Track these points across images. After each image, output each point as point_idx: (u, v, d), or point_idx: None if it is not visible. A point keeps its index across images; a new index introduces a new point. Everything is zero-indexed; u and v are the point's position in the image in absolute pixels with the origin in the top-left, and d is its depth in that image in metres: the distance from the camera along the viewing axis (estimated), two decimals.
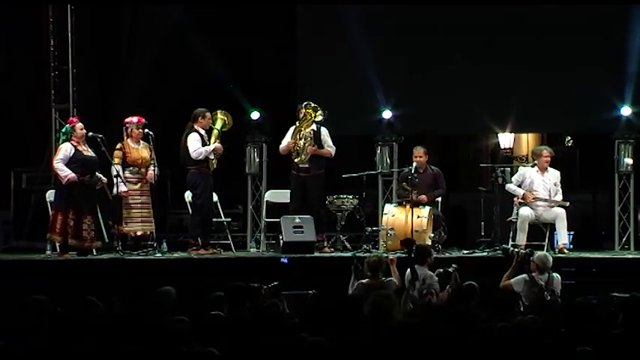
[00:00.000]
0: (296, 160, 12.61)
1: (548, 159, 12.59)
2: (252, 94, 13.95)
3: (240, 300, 8.19)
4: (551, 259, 10.26)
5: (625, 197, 13.31)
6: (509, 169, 13.18)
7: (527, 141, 16.17)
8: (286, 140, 12.75)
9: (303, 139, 12.62)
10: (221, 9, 14.63)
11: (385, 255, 10.44)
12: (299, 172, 12.65)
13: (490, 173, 13.12)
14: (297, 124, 12.64)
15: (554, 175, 12.57)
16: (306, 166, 12.61)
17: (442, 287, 9.68)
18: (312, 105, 12.56)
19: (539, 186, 12.51)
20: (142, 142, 12.42)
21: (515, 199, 12.55)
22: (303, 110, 12.58)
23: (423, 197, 12.53)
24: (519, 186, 12.59)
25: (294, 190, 12.77)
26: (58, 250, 12.18)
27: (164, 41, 14.65)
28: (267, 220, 13.39)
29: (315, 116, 12.55)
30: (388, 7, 14.29)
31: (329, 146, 12.73)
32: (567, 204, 12.40)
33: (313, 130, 12.64)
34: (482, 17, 14.08)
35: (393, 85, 13.95)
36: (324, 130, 12.72)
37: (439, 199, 13.10)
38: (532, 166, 12.68)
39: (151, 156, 12.37)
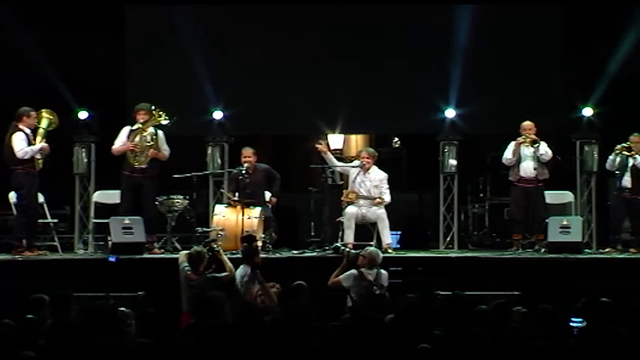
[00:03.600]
0: (134, 162, 12.40)
1: (362, 160, 12.80)
2: (80, 93, 13.68)
3: (66, 306, 8.00)
4: (381, 255, 10.49)
5: (449, 198, 13.68)
6: (338, 169, 13.36)
7: (357, 142, 16.43)
8: (121, 141, 12.52)
9: (145, 141, 12.43)
10: (48, 5, 14.31)
11: (214, 248, 10.44)
12: (133, 174, 12.45)
13: (320, 174, 13.25)
14: (141, 125, 12.43)
15: (376, 176, 12.79)
16: (143, 167, 12.44)
17: None
18: (158, 108, 12.40)
19: (360, 185, 12.74)
20: None
21: (342, 198, 12.74)
22: (147, 112, 12.39)
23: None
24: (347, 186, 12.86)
25: (126, 191, 12.54)
26: None
27: None
28: (95, 221, 13.17)
29: (161, 120, 12.38)
30: (218, 8, 14.30)
31: (165, 149, 12.60)
32: (383, 202, 12.62)
33: (152, 132, 12.47)
34: (312, 17, 14.27)
35: (224, 86, 13.96)
36: (161, 134, 12.57)
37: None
38: (357, 166, 12.89)
39: None
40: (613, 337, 6.62)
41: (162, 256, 12.28)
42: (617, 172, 12.76)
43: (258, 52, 14.19)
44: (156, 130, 12.50)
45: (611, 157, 12.78)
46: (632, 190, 12.64)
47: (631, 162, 12.65)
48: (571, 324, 7.46)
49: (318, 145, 12.91)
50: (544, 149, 12.75)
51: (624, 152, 12.62)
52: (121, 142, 12.53)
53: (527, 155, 12.84)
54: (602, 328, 6.82)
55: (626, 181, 12.67)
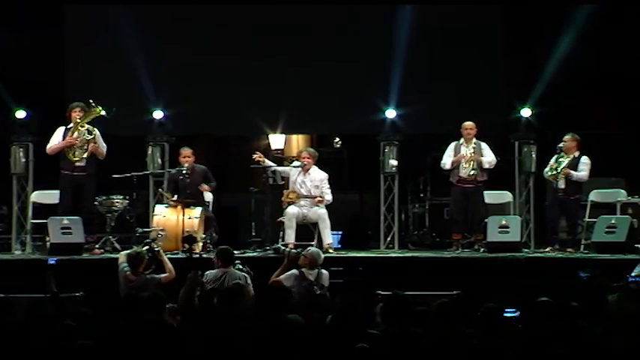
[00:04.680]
0: (73, 158, 12.25)
1: (303, 160, 12.83)
2: (18, 92, 13.51)
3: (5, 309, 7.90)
4: (322, 256, 10.50)
5: (390, 198, 13.75)
6: (280, 169, 13.36)
7: (298, 142, 16.44)
8: (57, 140, 12.38)
9: (83, 136, 12.29)
10: None
11: (155, 248, 10.35)
12: (73, 172, 12.31)
13: (261, 174, 13.24)
14: (79, 121, 12.28)
15: (317, 176, 12.82)
16: (83, 165, 12.31)
17: None
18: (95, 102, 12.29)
19: (300, 185, 12.77)
20: None
21: (282, 198, 12.76)
22: (82, 109, 12.26)
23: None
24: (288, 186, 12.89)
25: (66, 190, 12.38)
26: None
27: None
28: (33, 221, 13.02)
29: (99, 111, 12.23)
30: (158, 7, 14.20)
31: (103, 146, 12.48)
32: (324, 201, 12.64)
33: (90, 128, 12.34)
34: (253, 17, 14.22)
35: (164, 85, 13.89)
36: (97, 131, 12.45)
37: (211, 199, 13.16)
38: (298, 167, 12.90)
39: None
40: (550, 334, 6.70)
41: (101, 256, 12.19)
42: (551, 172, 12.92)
43: (198, 51, 14.12)
44: (92, 127, 12.37)
45: (546, 169, 12.90)
46: (566, 190, 12.79)
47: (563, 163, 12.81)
48: (505, 314, 7.53)
49: (254, 156, 12.88)
50: (488, 161, 12.86)
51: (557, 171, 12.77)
52: (56, 141, 12.38)
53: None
54: (540, 325, 6.90)
55: (560, 182, 12.81)
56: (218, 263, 10.04)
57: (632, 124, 14.71)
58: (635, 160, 14.62)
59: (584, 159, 12.79)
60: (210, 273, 9.84)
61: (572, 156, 12.77)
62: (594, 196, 13.47)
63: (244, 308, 8.26)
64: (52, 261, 11.56)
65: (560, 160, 12.75)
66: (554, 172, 12.71)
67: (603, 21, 14.05)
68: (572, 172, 12.71)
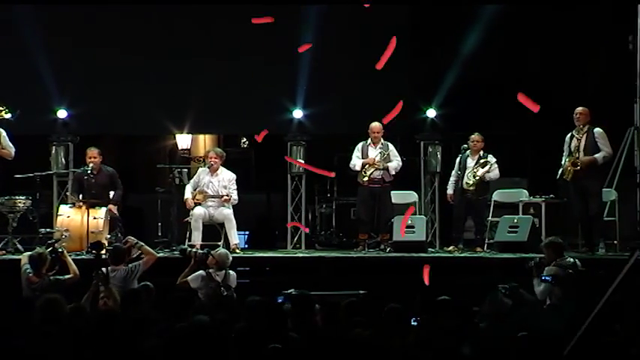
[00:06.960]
0: None
1: (211, 160, 12.80)
2: None
3: None
4: (231, 257, 10.47)
5: (297, 198, 13.80)
6: (186, 169, 13.30)
7: (205, 142, 16.39)
8: None
9: None
10: None
11: (58, 249, 10.20)
12: None
13: (168, 174, 13.17)
14: None
15: (225, 177, 12.81)
16: None
17: None
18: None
19: (208, 186, 12.73)
20: None
21: (187, 199, 12.70)
22: None
23: None
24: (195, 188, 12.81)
25: None
26: None
27: None
28: None
29: (2, 114, 12.02)
30: (62, 7, 13.98)
31: (10, 147, 12.28)
32: (230, 200, 12.62)
33: None
34: (158, 15, 14.08)
35: (69, 84, 13.70)
36: (3, 132, 12.24)
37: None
38: (206, 167, 12.87)
39: None
40: (448, 334, 6.80)
41: (3, 257, 11.98)
42: (458, 172, 13.08)
43: (104, 50, 13.92)
44: None
45: (466, 180, 13.02)
46: (475, 191, 12.94)
47: (470, 163, 12.97)
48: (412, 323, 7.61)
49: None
50: (394, 167, 12.99)
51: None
52: None
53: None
54: (438, 324, 7.00)
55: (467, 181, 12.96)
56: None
57: (533, 126, 14.96)
58: (536, 161, 14.90)
59: (493, 159, 12.96)
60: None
61: (477, 156, 12.95)
62: (497, 196, 13.67)
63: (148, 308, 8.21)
64: None
65: (475, 166, 12.89)
66: (474, 180, 12.86)
67: (505, 23, 14.23)
68: (487, 174, 12.89)
